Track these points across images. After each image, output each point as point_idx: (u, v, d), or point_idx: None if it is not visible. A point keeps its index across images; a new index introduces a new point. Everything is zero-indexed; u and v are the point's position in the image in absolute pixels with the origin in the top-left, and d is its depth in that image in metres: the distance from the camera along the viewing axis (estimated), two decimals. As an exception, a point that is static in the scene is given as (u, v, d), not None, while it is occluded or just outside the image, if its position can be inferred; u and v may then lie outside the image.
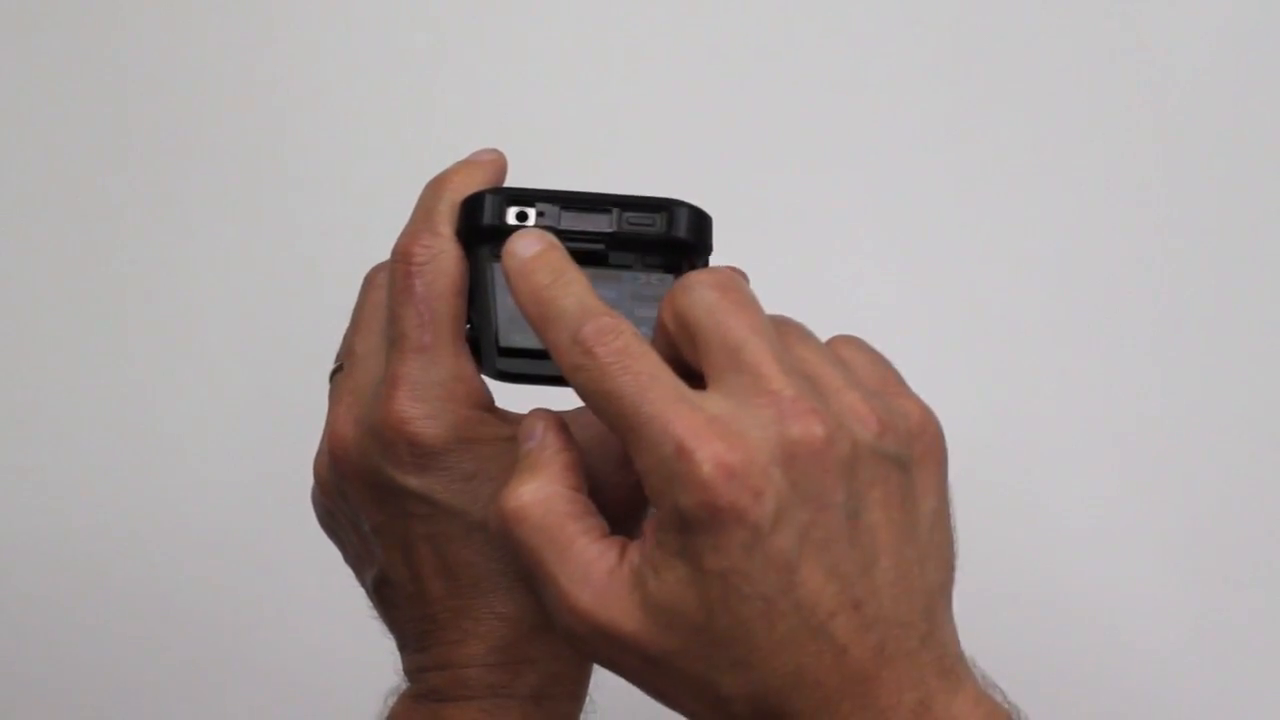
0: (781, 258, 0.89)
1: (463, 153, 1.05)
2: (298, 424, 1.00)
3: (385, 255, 0.95)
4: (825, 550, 0.54)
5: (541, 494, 0.57)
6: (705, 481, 0.53)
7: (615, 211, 0.65)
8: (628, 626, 0.55)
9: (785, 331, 0.58)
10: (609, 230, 0.65)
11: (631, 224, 0.65)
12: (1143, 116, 1.06)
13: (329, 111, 1.09)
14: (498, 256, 0.63)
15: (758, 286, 0.62)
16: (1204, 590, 1.03)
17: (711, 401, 0.55)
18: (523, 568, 0.57)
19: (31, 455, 1.07)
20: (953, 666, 0.56)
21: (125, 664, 1.05)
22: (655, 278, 0.65)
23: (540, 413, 0.61)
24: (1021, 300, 1.06)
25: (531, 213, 0.65)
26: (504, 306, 0.65)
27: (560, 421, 0.60)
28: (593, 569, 0.55)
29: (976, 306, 1.05)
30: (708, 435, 0.53)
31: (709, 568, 0.53)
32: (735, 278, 0.58)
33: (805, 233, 1.06)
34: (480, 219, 0.65)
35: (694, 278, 0.57)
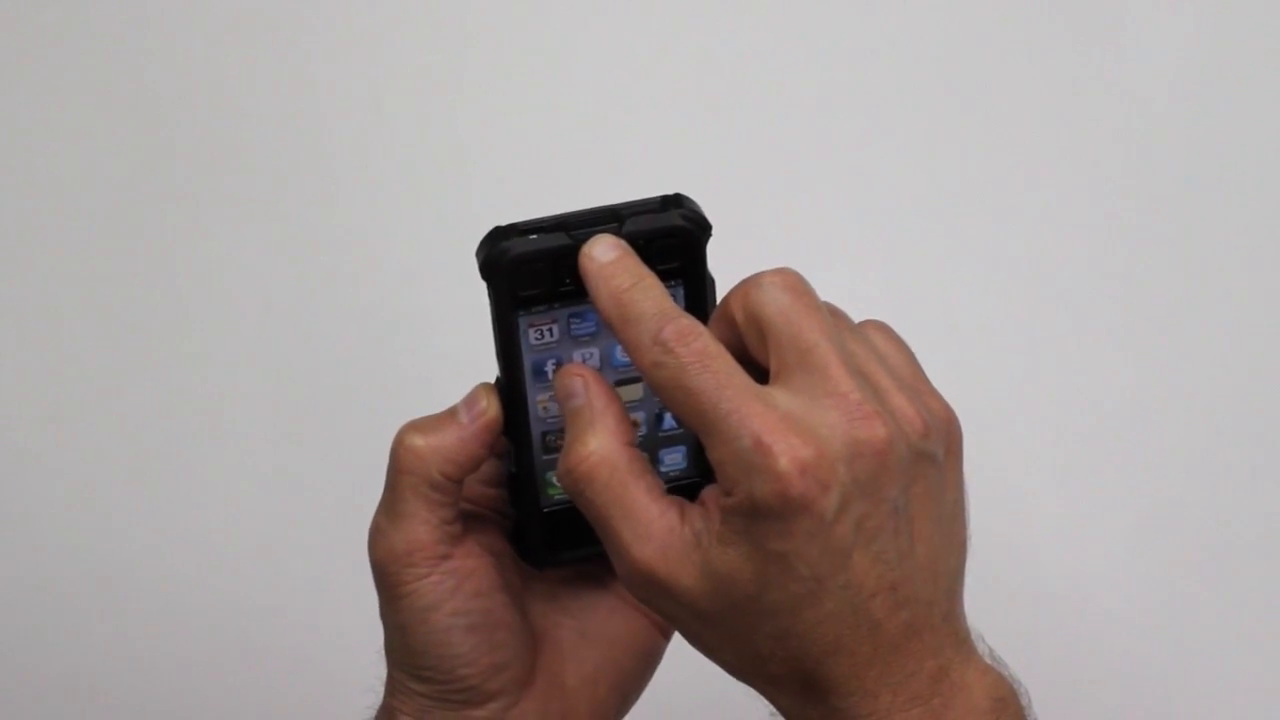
0: (759, 261, 0.90)
1: (471, 155, 1.06)
2: (315, 427, 1.00)
3: (400, 260, 0.95)
4: (874, 539, 0.59)
5: (603, 453, 0.61)
6: (781, 473, 0.57)
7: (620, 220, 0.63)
8: (684, 583, 0.59)
9: (839, 325, 0.61)
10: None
11: (641, 223, 0.63)
12: (1108, 125, 1.09)
13: (353, 118, 1.08)
14: (525, 304, 0.63)
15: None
16: (1166, 572, 1.05)
17: (782, 398, 0.59)
18: (590, 520, 0.62)
19: (50, 459, 1.07)
20: (965, 639, 0.62)
21: (142, 670, 1.04)
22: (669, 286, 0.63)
23: (575, 368, 0.63)
24: (994, 297, 1.08)
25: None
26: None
27: (597, 374, 0.63)
28: (654, 526, 0.60)
29: (950, 303, 1.07)
30: (784, 431, 0.57)
31: (772, 548, 0.58)
32: (802, 280, 0.61)
33: (781, 235, 1.07)
34: (505, 258, 0.62)
35: (766, 278, 0.61)
